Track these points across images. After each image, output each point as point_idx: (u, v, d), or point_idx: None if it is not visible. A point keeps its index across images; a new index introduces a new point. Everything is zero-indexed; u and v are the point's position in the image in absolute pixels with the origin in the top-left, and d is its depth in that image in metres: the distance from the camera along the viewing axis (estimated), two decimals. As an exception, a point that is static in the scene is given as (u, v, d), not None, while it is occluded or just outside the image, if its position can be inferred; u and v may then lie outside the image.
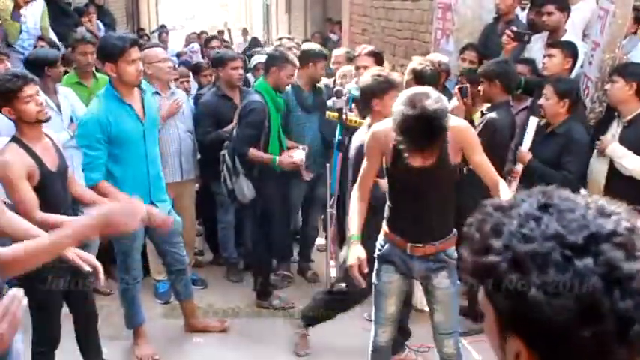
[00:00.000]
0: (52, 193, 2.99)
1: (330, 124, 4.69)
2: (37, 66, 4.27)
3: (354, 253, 2.89)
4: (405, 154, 2.72)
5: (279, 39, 6.40)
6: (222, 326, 4.28)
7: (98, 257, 4.14)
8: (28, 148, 2.91)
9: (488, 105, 4.18)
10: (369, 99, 3.47)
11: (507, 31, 4.66)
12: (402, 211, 2.98)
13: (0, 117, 3.19)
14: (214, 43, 8.43)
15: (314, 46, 5.08)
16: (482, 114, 4.13)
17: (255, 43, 11.94)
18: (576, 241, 0.78)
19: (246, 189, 4.35)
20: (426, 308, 3.27)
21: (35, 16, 5.99)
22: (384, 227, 3.06)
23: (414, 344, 4.02)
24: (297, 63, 4.47)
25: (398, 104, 2.60)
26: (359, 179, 3.08)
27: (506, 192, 2.83)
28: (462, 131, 2.89)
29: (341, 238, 4.89)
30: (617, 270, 0.76)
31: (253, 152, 4.33)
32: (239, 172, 4.35)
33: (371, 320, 4.39)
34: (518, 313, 0.80)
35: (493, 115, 4.00)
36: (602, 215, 0.81)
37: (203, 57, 8.57)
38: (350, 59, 5.60)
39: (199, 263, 5.36)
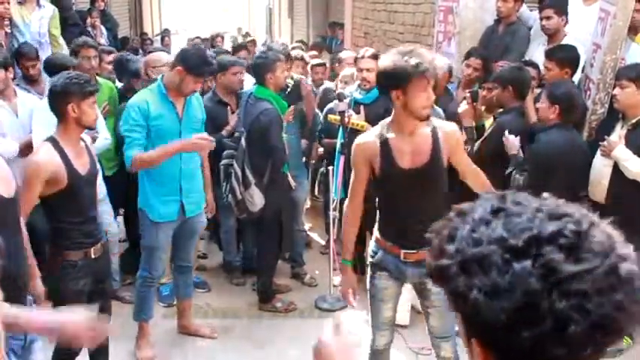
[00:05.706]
0: (81, 196, 3.06)
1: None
2: (56, 71, 4.30)
3: (346, 282, 3.09)
4: (394, 156, 2.77)
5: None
6: (211, 335, 4.28)
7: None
8: (61, 149, 2.97)
9: (500, 110, 4.16)
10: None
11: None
12: (393, 217, 2.95)
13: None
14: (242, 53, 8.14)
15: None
16: (495, 119, 4.11)
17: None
18: (517, 244, 0.78)
19: (258, 198, 4.36)
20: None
21: (42, 21, 5.97)
22: (376, 234, 3.03)
23: (414, 346, 4.02)
24: (283, 57, 4.46)
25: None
26: (349, 195, 3.04)
27: None
28: (452, 134, 2.90)
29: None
30: (557, 272, 0.76)
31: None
32: (250, 182, 4.34)
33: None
34: (466, 315, 0.82)
35: (504, 117, 4.00)
36: (551, 218, 0.81)
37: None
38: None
39: (203, 267, 5.36)
